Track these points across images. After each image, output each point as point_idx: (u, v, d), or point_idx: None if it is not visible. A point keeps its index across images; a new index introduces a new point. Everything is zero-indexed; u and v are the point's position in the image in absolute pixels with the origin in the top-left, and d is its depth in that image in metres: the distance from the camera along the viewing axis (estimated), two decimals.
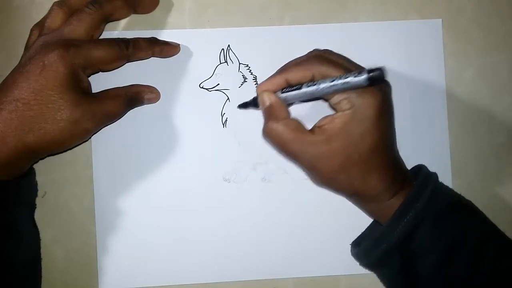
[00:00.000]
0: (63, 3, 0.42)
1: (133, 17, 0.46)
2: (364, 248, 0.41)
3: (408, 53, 0.47)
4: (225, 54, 0.47)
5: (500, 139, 0.47)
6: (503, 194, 0.47)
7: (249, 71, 0.47)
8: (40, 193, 0.45)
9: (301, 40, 0.47)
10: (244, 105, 0.44)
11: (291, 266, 0.46)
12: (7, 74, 0.40)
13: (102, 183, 0.46)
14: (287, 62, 0.44)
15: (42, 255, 0.45)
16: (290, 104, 0.42)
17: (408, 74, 0.47)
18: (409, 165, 0.43)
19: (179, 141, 0.46)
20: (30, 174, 0.43)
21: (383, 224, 0.41)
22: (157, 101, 0.46)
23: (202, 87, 0.47)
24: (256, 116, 0.46)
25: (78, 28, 0.41)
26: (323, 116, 0.40)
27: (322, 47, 0.46)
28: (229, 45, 0.47)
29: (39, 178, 0.44)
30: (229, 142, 0.46)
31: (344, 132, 0.39)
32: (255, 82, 0.47)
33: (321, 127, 0.40)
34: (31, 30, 0.43)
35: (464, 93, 0.47)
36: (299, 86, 0.40)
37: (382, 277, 0.43)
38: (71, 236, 0.46)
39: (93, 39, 0.43)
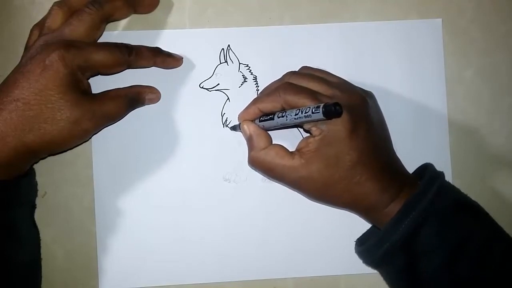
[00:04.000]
0: (63, 3, 0.42)
1: (133, 17, 0.46)
2: (368, 247, 0.41)
3: (408, 53, 0.47)
4: (225, 54, 0.47)
5: (500, 139, 0.47)
6: (503, 194, 0.47)
7: (249, 71, 0.47)
8: (40, 193, 0.45)
9: (301, 40, 0.47)
10: (233, 128, 0.46)
11: (291, 266, 0.46)
12: (7, 74, 0.40)
13: (102, 183, 0.46)
14: (287, 62, 0.44)
15: (42, 255, 0.45)
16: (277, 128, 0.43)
17: (408, 74, 0.47)
18: (408, 165, 0.43)
19: (179, 141, 0.46)
20: (30, 174, 0.43)
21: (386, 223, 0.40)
22: (157, 101, 0.46)
23: (202, 87, 0.47)
24: None
25: (78, 28, 0.41)
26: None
27: (322, 47, 0.47)
28: (229, 45, 0.47)
29: (39, 178, 0.44)
30: (229, 142, 0.46)
31: (319, 156, 0.40)
32: (255, 82, 0.47)
33: (300, 151, 0.41)
34: (31, 30, 0.43)
35: (464, 93, 0.47)
36: (271, 116, 0.42)
37: (386, 276, 0.43)
38: (71, 236, 0.46)
39: (95, 42, 0.43)
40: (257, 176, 0.46)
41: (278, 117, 0.41)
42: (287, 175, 0.41)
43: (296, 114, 0.39)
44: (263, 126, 0.43)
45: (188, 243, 0.46)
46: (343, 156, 0.39)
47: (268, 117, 0.42)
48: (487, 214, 0.41)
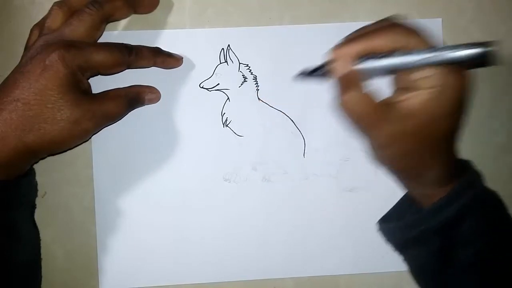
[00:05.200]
0: (63, 3, 0.42)
1: (133, 17, 0.46)
2: (405, 224, 0.40)
3: None
4: (225, 54, 0.47)
5: (500, 139, 0.47)
6: (503, 194, 0.47)
7: (249, 71, 0.47)
8: (40, 193, 0.45)
9: (301, 40, 0.47)
10: (309, 73, 0.40)
11: (291, 266, 0.46)
12: (7, 74, 0.40)
13: (102, 183, 0.46)
14: (287, 62, 0.44)
15: (42, 255, 0.45)
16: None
17: None
18: None
19: (179, 141, 0.46)
20: (30, 174, 0.43)
21: (427, 206, 0.39)
22: (157, 101, 0.46)
23: (202, 87, 0.47)
24: (256, 116, 0.46)
25: (78, 29, 0.41)
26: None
27: (322, 47, 0.46)
28: (229, 45, 0.47)
29: (39, 178, 0.44)
30: (229, 142, 0.46)
31: (423, 111, 0.36)
32: (255, 82, 0.47)
33: (398, 104, 0.37)
34: (31, 30, 0.43)
35: None
36: (385, 54, 0.36)
37: (412, 257, 0.42)
38: (71, 236, 0.46)
39: (95, 42, 0.43)
40: (258, 176, 0.46)
41: (402, 55, 0.35)
42: (379, 128, 0.37)
43: (432, 51, 0.34)
44: (363, 67, 0.37)
45: (188, 243, 0.46)
46: (446, 119, 0.36)
47: (381, 56, 0.36)
48: None
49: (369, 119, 0.37)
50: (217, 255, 0.46)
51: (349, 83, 0.37)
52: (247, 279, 0.46)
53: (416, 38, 0.36)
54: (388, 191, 0.46)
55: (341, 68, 0.37)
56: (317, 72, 0.40)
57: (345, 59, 0.37)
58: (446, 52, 0.34)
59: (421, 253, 0.41)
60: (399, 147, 0.38)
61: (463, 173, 0.40)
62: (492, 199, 0.41)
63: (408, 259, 0.43)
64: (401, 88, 0.38)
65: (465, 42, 0.34)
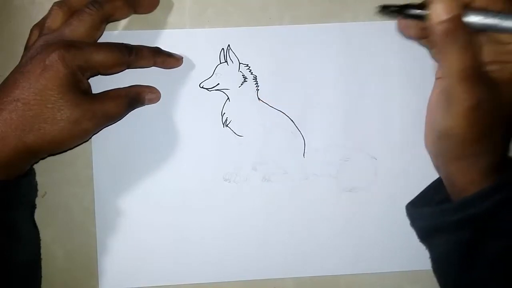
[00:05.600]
0: (63, 3, 0.42)
1: (133, 17, 0.46)
2: (441, 210, 0.39)
3: (409, 53, 0.47)
4: (225, 54, 0.47)
5: None
6: None
7: (249, 71, 0.47)
8: (40, 193, 0.45)
9: (301, 40, 0.47)
10: (398, 10, 0.35)
11: (291, 265, 0.46)
12: (7, 74, 0.40)
13: (102, 183, 0.46)
14: (287, 62, 0.44)
15: (42, 255, 0.45)
16: None
17: (408, 74, 0.47)
18: (409, 166, 0.43)
19: (179, 141, 0.46)
20: (30, 174, 0.43)
21: (465, 194, 0.38)
22: (157, 101, 0.46)
23: (202, 87, 0.47)
24: (256, 116, 0.46)
25: (78, 29, 0.41)
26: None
27: (322, 47, 0.47)
28: (229, 45, 0.47)
29: (39, 178, 0.44)
30: (229, 142, 0.46)
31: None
32: (255, 82, 0.47)
33: (487, 72, 0.34)
34: (31, 30, 0.43)
35: None
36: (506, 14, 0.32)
37: (439, 246, 0.41)
38: (71, 236, 0.46)
39: (95, 42, 0.43)
40: (257, 176, 0.46)
41: None
42: (474, 86, 0.34)
43: None
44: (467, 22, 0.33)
45: (188, 243, 0.46)
46: None
47: (496, 13, 0.32)
48: None
49: (470, 77, 0.34)
50: (217, 255, 0.46)
51: (454, 32, 0.33)
52: (247, 279, 0.46)
53: None
54: (388, 191, 0.46)
55: (444, 13, 0.33)
56: (408, 10, 0.34)
57: (449, 2, 0.33)
58: None
59: (449, 242, 0.39)
60: (480, 115, 0.35)
61: (508, 169, 0.38)
62: None
63: (435, 246, 0.41)
64: (492, 61, 0.35)
65: None
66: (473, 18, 0.32)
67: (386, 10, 0.35)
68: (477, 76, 0.34)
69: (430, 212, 0.40)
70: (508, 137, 0.38)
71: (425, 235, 0.42)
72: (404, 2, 0.38)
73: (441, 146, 0.39)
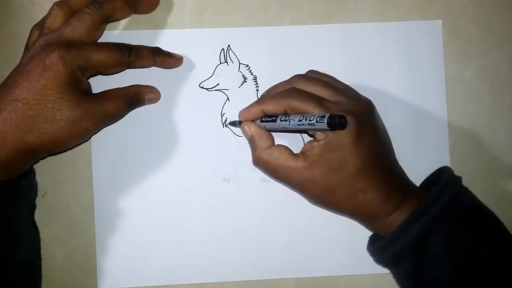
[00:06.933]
0: (63, 3, 0.42)
1: (133, 17, 0.46)
2: (378, 248, 0.41)
3: (408, 54, 0.47)
4: (225, 54, 0.47)
5: (500, 139, 0.47)
6: (503, 194, 0.47)
7: (249, 71, 0.47)
8: (40, 193, 0.45)
9: (301, 40, 0.47)
10: (233, 124, 0.46)
11: (291, 266, 0.46)
12: (7, 74, 0.40)
13: (101, 183, 0.46)
14: (287, 62, 0.44)
15: (42, 255, 0.45)
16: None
17: (408, 75, 0.47)
18: (408, 165, 0.43)
19: (179, 141, 0.46)
20: (30, 174, 0.43)
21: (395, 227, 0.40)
22: (157, 101, 0.46)
23: (202, 87, 0.47)
24: None
25: (78, 29, 0.41)
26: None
27: (322, 47, 0.47)
28: (229, 45, 0.47)
29: (39, 178, 0.44)
30: (229, 142, 0.46)
31: (323, 160, 0.40)
32: (255, 82, 0.47)
33: (304, 153, 0.41)
34: (31, 30, 0.43)
35: (464, 93, 0.47)
36: (274, 118, 0.41)
37: (394, 276, 0.43)
38: (71, 236, 0.46)
39: (95, 42, 0.43)
40: (257, 176, 0.46)
41: (281, 121, 0.40)
42: (291, 177, 0.41)
43: (299, 121, 0.39)
44: (264, 126, 0.42)
45: (188, 243, 0.46)
46: (347, 162, 0.39)
47: (271, 119, 0.42)
48: (499, 223, 0.41)
49: (279, 171, 0.41)
50: (217, 255, 0.46)
51: (254, 144, 0.43)
52: (247, 279, 0.46)
53: (299, 103, 0.40)
54: None
55: (246, 131, 0.43)
56: (237, 125, 0.45)
57: (247, 123, 0.43)
58: (309, 121, 0.38)
59: (398, 273, 0.42)
60: (313, 191, 0.41)
61: (435, 184, 0.41)
62: (464, 210, 0.40)
63: (393, 276, 0.43)
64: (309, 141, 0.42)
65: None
66: (266, 125, 0.42)
67: (232, 123, 0.46)
68: (293, 164, 0.41)
69: (374, 250, 0.42)
70: (372, 183, 0.40)
71: (383, 267, 0.43)
72: None
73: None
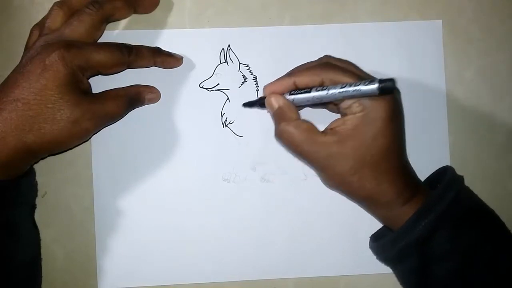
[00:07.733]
0: (63, 3, 0.42)
1: (133, 17, 0.46)
2: (383, 244, 0.41)
3: (408, 54, 0.47)
4: (225, 54, 0.47)
5: (500, 139, 0.47)
6: (503, 194, 0.47)
7: (249, 71, 0.47)
8: (40, 193, 0.45)
9: (301, 40, 0.47)
10: (249, 104, 0.45)
11: (291, 266, 0.46)
12: (7, 74, 0.40)
13: (101, 183, 0.46)
14: (287, 62, 0.44)
15: (42, 255, 0.45)
16: (298, 107, 0.42)
17: (408, 75, 0.47)
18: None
19: (179, 141, 0.46)
20: (30, 174, 0.43)
21: (397, 228, 0.40)
22: (157, 101, 0.46)
23: (202, 87, 0.47)
24: (256, 116, 0.46)
25: (78, 29, 0.41)
26: (332, 120, 0.41)
27: (322, 47, 0.47)
28: (229, 45, 0.47)
29: (39, 178, 0.44)
30: (229, 142, 0.46)
31: (356, 134, 0.39)
32: (255, 82, 0.47)
33: (333, 129, 0.40)
34: (31, 30, 0.43)
35: (464, 93, 0.47)
36: (308, 89, 0.40)
37: (397, 274, 0.43)
38: (71, 236, 0.46)
39: (95, 42, 0.43)
40: (257, 176, 0.46)
41: (317, 91, 0.39)
42: (317, 151, 0.40)
43: (342, 87, 0.38)
44: (293, 100, 0.41)
45: (188, 243, 0.46)
46: (380, 137, 0.39)
47: (303, 91, 0.40)
48: (500, 222, 0.41)
49: (305, 145, 0.40)
50: (217, 255, 0.46)
51: (281, 116, 0.41)
52: (247, 279, 0.46)
53: (337, 74, 0.39)
54: None
55: (272, 104, 0.41)
56: (256, 104, 0.44)
57: (274, 95, 0.41)
58: (355, 87, 0.38)
59: (402, 270, 0.42)
60: (339, 168, 0.40)
61: (438, 183, 0.41)
62: (467, 209, 0.40)
63: (395, 275, 0.44)
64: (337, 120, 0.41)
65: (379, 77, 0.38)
66: (296, 98, 0.41)
67: (248, 104, 0.45)
68: (318, 139, 0.40)
69: (379, 246, 0.42)
70: (390, 170, 0.40)
71: (386, 264, 0.43)
72: None
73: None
